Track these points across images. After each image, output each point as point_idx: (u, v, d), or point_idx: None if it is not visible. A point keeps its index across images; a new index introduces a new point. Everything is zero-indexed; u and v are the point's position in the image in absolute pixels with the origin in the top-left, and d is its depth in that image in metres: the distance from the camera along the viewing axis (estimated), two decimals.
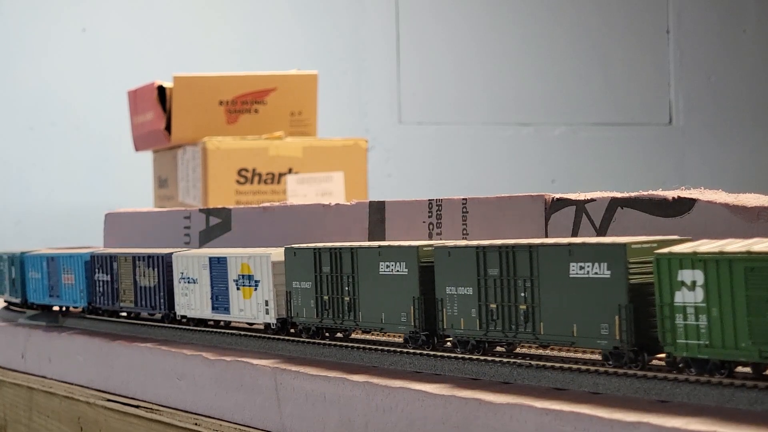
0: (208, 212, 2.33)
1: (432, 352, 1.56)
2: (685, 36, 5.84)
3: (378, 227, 1.93)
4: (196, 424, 1.91)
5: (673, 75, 5.84)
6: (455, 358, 1.52)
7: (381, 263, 1.61)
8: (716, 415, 1.19)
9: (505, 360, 1.45)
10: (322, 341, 1.75)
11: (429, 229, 1.82)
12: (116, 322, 2.30)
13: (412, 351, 1.59)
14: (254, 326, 1.97)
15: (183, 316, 2.08)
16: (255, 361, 1.79)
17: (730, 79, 5.94)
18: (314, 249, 1.74)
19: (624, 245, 1.29)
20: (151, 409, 2.05)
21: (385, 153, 5.35)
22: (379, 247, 1.62)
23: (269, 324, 1.86)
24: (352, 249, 1.67)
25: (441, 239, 1.79)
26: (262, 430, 1.76)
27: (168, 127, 3.43)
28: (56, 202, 4.82)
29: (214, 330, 2.00)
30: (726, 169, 5.88)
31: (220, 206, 2.40)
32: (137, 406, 2.09)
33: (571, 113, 5.69)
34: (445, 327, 1.52)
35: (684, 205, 1.48)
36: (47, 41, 4.82)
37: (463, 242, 1.52)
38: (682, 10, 5.84)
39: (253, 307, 1.89)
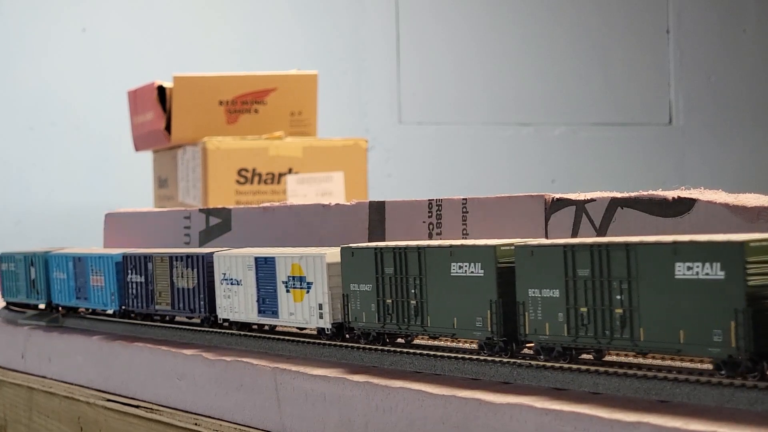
0: (208, 212, 2.33)
1: (432, 353, 1.56)
2: (685, 36, 5.84)
3: (378, 227, 1.93)
4: (196, 424, 1.91)
5: (673, 75, 5.84)
6: (455, 358, 1.52)
7: (453, 264, 1.50)
8: (716, 415, 1.19)
9: (505, 360, 1.45)
10: (323, 341, 1.75)
11: (429, 229, 1.82)
12: (116, 322, 2.30)
13: (411, 351, 1.59)
14: (305, 331, 1.87)
15: (225, 320, 1.96)
16: (255, 361, 1.79)
17: (730, 79, 5.94)
18: (375, 249, 1.62)
19: (742, 243, 1.19)
20: (151, 409, 2.05)
21: (385, 153, 5.35)
22: (451, 246, 1.51)
23: (323, 329, 1.73)
24: (419, 249, 1.56)
25: (441, 239, 1.79)
26: (262, 430, 1.76)
27: (168, 127, 3.43)
28: (56, 202, 4.82)
29: (214, 330, 2.00)
30: (726, 169, 5.88)
31: (220, 206, 2.40)
32: (137, 406, 2.09)
33: (571, 113, 5.69)
34: (527, 332, 1.41)
35: (684, 205, 1.48)
36: (47, 41, 4.82)
37: (548, 241, 1.42)
38: (682, 10, 5.84)
39: (304, 311, 1.76)
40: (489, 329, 1.45)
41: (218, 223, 2.30)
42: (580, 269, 1.34)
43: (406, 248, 1.57)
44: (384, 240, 1.90)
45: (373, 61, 5.37)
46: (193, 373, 1.93)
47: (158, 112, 3.45)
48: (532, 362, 1.41)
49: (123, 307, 2.24)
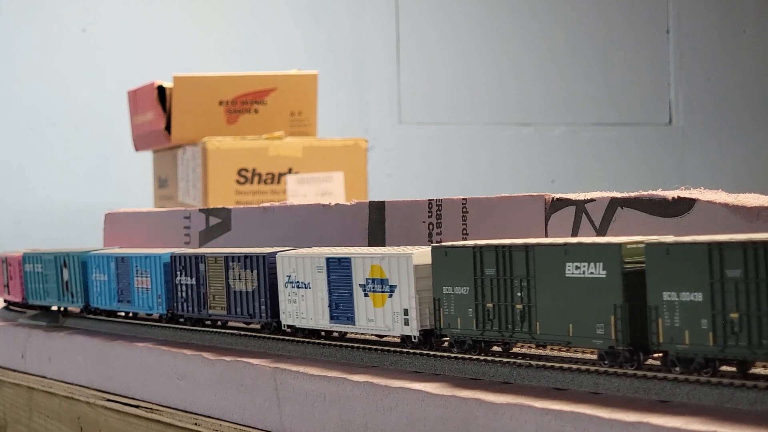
0: (208, 212, 2.33)
1: (432, 352, 1.56)
2: (685, 36, 5.84)
3: (378, 227, 1.93)
4: (196, 424, 1.91)
5: (673, 75, 5.84)
6: (455, 357, 1.52)
7: (568, 264, 1.35)
8: (716, 415, 1.19)
9: (504, 360, 1.45)
10: (323, 341, 1.75)
11: (429, 229, 1.82)
12: (116, 322, 2.30)
13: (411, 351, 1.59)
14: (385, 338, 1.70)
15: (290, 326, 1.81)
16: (255, 361, 1.79)
17: (730, 79, 5.94)
18: (474, 247, 1.47)
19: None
20: (151, 409, 2.05)
21: (385, 153, 5.35)
22: (566, 245, 1.37)
23: (409, 337, 1.58)
24: (527, 247, 1.41)
25: (441, 239, 1.79)
26: (262, 430, 1.76)
27: (168, 127, 3.44)
28: (56, 202, 4.82)
29: (214, 330, 2.00)
30: (726, 169, 5.88)
31: (220, 206, 2.40)
32: (137, 406, 2.09)
33: (571, 113, 5.69)
34: (660, 341, 1.26)
35: (684, 205, 1.48)
36: (47, 41, 4.82)
37: (686, 238, 1.26)
38: (682, 10, 5.84)
39: (386, 317, 1.61)
40: (612, 337, 1.30)
41: (218, 223, 2.30)
42: (729, 270, 1.19)
43: (511, 247, 1.43)
44: (384, 240, 1.90)
45: (373, 61, 5.37)
46: (193, 373, 1.93)
47: (158, 112, 3.45)
48: (532, 362, 1.41)
49: (170, 311, 2.10)
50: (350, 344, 1.69)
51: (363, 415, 1.55)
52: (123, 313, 2.29)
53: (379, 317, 1.62)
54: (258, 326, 1.90)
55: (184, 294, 2.05)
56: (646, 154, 5.79)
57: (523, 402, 1.33)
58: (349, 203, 2.00)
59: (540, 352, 1.51)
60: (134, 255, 2.19)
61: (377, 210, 1.93)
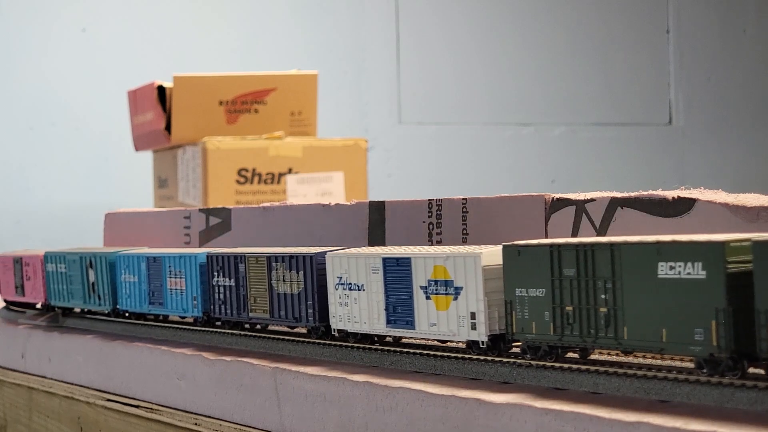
0: (208, 212, 2.33)
1: (432, 352, 1.56)
2: (685, 36, 5.84)
3: (378, 227, 1.93)
4: (196, 424, 1.91)
5: (673, 75, 5.84)
6: (455, 357, 1.51)
7: (661, 264, 1.25)
8: (716, 415, 1.19)
9: (504, 360, 1.45)
10: (322, 341, 1.75)
11: (429, 229, 1.82)
12: (116, 322, 2.29)
13: (412, 351, 1.59)
14: (448, 344, 1.61)
15: (341, 331, 1.70)
16: (255, 361, 1.79)
17: (730, 79, 5.94)
18: (551, 246, 1.37)
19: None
20: (151, 409, 2.05)
21: (385, 153, 5.35)
22: (658, 243, 1.26)
23: (476, 342, 1.48)
24: (612, 246, 1.30)
25: (441, 239, 1.79)
26: (262, 430, 1.76)
27: (168, 127, 3.43)
28: (56, 202, 4.82)
29: (214, 330, 2.00)
30: (726, 169, 5.88)
31: (220, 206, 2.40)
32: (137, 406, 2.09)
33: (571, 113, 5.69)
34: None
35: (684, 205, 1.48)
36: (47, 41, 4.82)
37: None
38: (682, 10, 5.84)
39: (451, 321, 1.50)
40: (714, 343, 1.20)
41: (218, 223, 2.30)
42: None
43: (593, 245, 1.32)
44: (384, 240, 1.90)
45: (373, 61, 5.37)
46: (193, 373, 1.93)
47: (158, 112, 3.45)
48: (532, 362, 1.41)
49: (206, 314, 2.00)
50: (350, 344, 1.69)
51: (363, 415, 1.55)
52: (152, 316, 2.21)
53: (443, 321, 1.52)
54: (303, 330, 1.81)
55: (221, 296, 1.94)
56: (646, 154, 5.79)
57: (523, 402, 1.33)
58: (349, 203, 2.00)
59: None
60: (167, 255, 2.09)
61: (377, 210, 1.93)
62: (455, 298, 1.50)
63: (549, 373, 1.38)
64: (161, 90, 3.46)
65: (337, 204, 2.02)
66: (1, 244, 4.04)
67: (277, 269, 1.81)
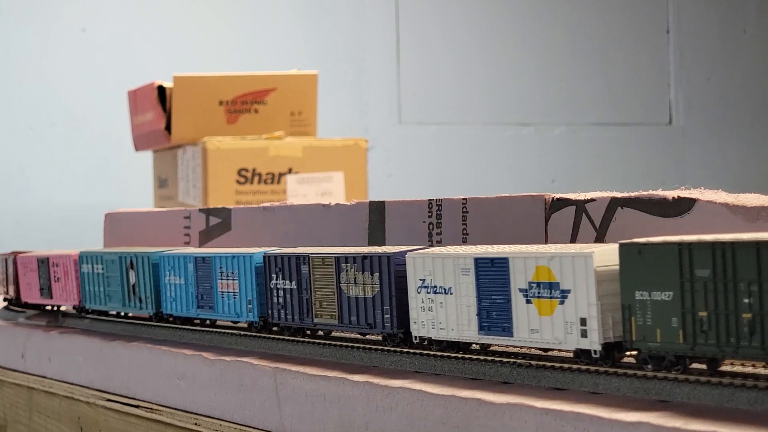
0: (208, 212, 2.33)
1: (432, 352, 1.55)
2: (685, 36, 5.84)
3: (378, 227, 1.93)
4: (196, 424, 1.91)
5: (673, 75, 5.84)
6: (455, 358, 1.51)
7: None
8: (716, 415, 1.19)
9: (504, 360, 1.45)
10: (322, 341, 1.75)
11: (429, 229, 1.82)
12: (116, 322, 2.29)
13: (412, 351, 1.59)
14: (551, 353, 1.47)
15: (424, 339, 1.56)
16: (255, 361, 1.79)
17: (730, 79, 5.95)
18: (680, 244, 1.23)
19: None
20: (151, 409, 2.05)
21: (385, 153, 5.35)
22: None
23: (587, 351, 1.34)
24: (758, 244, 1.14)
25: (441, 239, 1.79)
26: (262, 430, 1.76)
27: (168, 127, 3.44)
28: (56, 202, 4.82)
29: (214, 330, 2.00)
30: (726, 169, 5.88)
31: (220, 206, 2.40)
32: (137, 406, 2.09)
33: (571, 113, 5.69)
34: None
35: (684, 205, 1.48)
36: (47, 41, 4.82)
37: None
38: (682, 10, 5.84)
39: (556, 328, 1.37)
40: None
41: (218, 223, 2.30)
42: None
43: (733, 243, 1.17)
44: (384, 240, 1.90)
45: (373, 61, 5.37)
46: (193, 373, 1.93)
47: (158, 112, 3.45)
48: (532, 362, 1.41)
49: (263, 319, 1.86)
50: (350, 344, 1.69)
51: (363, 415, 1.55)
52: (199, 321, 2.07)
53: (546, 328, 1.38)
54: (378, 338, 1.67)
55: (281, 300, 1.80)
56: (646, 154, 5.79)
57: (523, 402, 1.33)
58: (349, 203, 2.00)
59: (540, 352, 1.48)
60: (218, 255, 1.95)
61: (377, 210, 1.93)
62: (561, 302, 1.36)
63: (549, 373, 1.38)
64: (161, 90, 3.46)
65: (337, 204, 2.02)
66: (1, 244, 4.04)
67: (347, 271, 1.66)
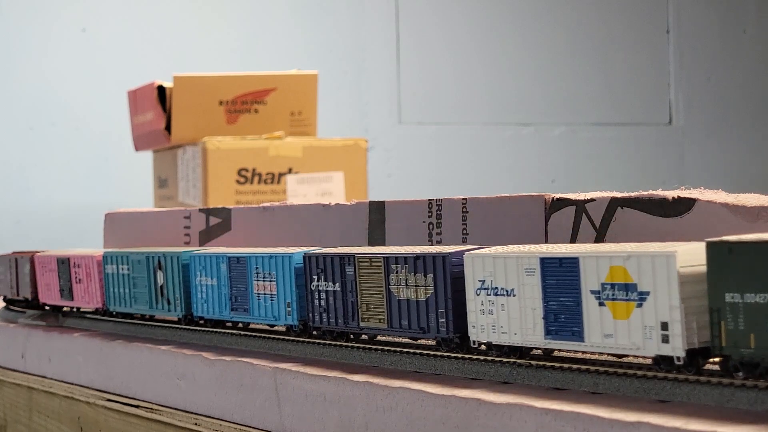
0: (208, 212, 2.33)
1: (432, 352, 1.55)
2: (685, 36, 5.84)
3: (378, 227, 1.93)
4: (196, 424, 1.91)
5: (673, 75, 5.84)
6: (455, 358, 1.51)
7: None
8: (716, 415, 1.19)
9: (504, 360, 1.45)
10: (322, 341, 1.75)
11: (429, 229, 1.82)
12: (116, 322, 2.29)
13: (412, 351, 1.59)
14: (627, 360, 1.37)
15: (484, 344, 1.48)
16: (255, 361, 1.79)
17: (730, 79, 5.95)
18: None
19: None
20: (151, 409, 2.05)
21: (385, 153, 5.35)
22: None
23: (669, 358, 1.25)
24: None
25: (441, 239, 1.79)
26: (262, 430, 1.76)
27: (168, 127, 3.44)
28: (56, 202, 4.82)
29: (214, 330, 2.00)
30: (726, 169, 5.88)
31: (220, 206, 2.40)
32: (137, 406, 2.09)
33: (571, 113, 5.69)
34: None
35: (684, 205, 1.48)
36: (47, 41, 4.82)
37: None
38: (682, 10, 5.85)
39: (633, 333, 1.28)
40: None
41: (218, 223, 2.30)
42: None
43: None
44: (384, 240, 1.90)
45: (373, 61, 5.37)
46: (193, 373, 1.93)
47: (158, 112, 3.45)
48: (532, 362, 1.41)
49: (303, 322, 1.77)
50: (350, 344, 1.69)
51: (363, 415, 1.55)
52: (230, 324, 1.98)
53: (622, 332, 1.29)
54: (432, 342, 1.57)
55: (323, 302, 1.71)
56: (646, 154, 5.79)
57: (523, 402, 1.33)
58: (349, 203, 2.00)
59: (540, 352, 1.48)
60: (254, 255, 1.86)
61: (377, 210, 1.93)
62: (639, 305, 1.27)
63: (549, 373, 1.38)
64: (161, 90, 3.46)
65: (337, 204, 2.02)
66: (1, 244, 4.04)
67: (397, 272, 1.58)
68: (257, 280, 1.85)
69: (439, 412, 1.43)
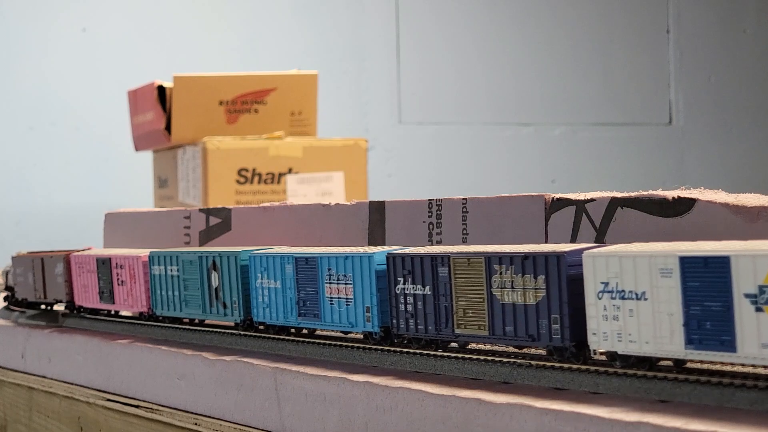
0: (208, 212, 2.33)
1: (432, 352, 1.55)
2: (685, 36, 5.85)
3: (378, 227, 1.93)
4: (196, 424, 1.91)
5: (673, 75, 5.84)
6: (455, 357, 1.51)
7: None
8: (716, 415, 1.19)
9: (505, 360, 1.45)
10: (322, 341, 1.75)
11: (429, 229, 1.82)
12: (116, 322, 2.29)
13: (412, 351, 1.59)
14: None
15: (609, 353, 1.32)
16: (255, 361, 1.79)
17: (730, 79, 5.95)
18: None
19: None
20: (151, 409, 2.05)
21: (385, 153, 5.35)
22: None
23: None
24: None
25: (441, 239, 1.79)
26: (262, 430, 1.76)
27: (168, 127, 3.44)
28: (56, 202, 4.82)
29: (214, 330, 2.00)
30: (726, 169, 5.89)
31: (220, 206, 2.40)
32: (137, 406, 2.09)
33: (571, 113, 5.69)
34: None
35: (684, 205, 1.48)
36: (47, 41, 4.82)
37: None
38: (682, 10, 5.85)
39: None
40: None
41: (218, 223, 2.30)
42: None
43: None
44: (384, 240, 1.90)
45: (373, 61, 5.37)
46: (193, 373, 1.93)
47: (158, 112, 3.45)
48: (532, 362, 1.41)
49: (385, 329, 1.62)
50: (350, 344, 1.69)
51: (363, 415, 1.55)
52: (294, 330, 1.83)
53: None
54: (542, 351, 1.44)
55: (409, 307, 1.56)
56: (646, 154, 5.79)
57: (523, 402, 1.33)
58: (349, 203, 2.00)
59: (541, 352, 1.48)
60: (326, 255, 1.70)
61: (377, 210, 1.93)
62: None
63: (549, 373, 1.38)
64: (161, 90, 3.46)
65: (337, 204, 2.02)
66: (1, 244, 4.04)
67: (501, 273, 1.43)
68: (329, 283, 1.69)
69: (439, 412, 1.43)
